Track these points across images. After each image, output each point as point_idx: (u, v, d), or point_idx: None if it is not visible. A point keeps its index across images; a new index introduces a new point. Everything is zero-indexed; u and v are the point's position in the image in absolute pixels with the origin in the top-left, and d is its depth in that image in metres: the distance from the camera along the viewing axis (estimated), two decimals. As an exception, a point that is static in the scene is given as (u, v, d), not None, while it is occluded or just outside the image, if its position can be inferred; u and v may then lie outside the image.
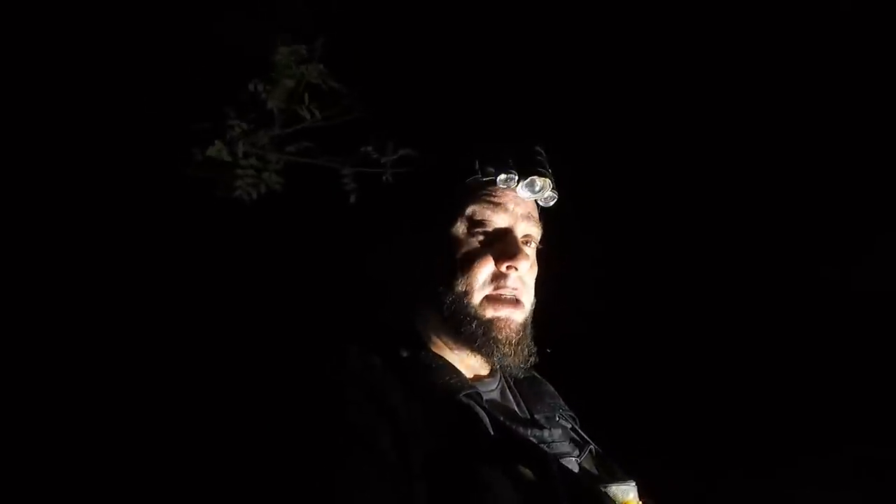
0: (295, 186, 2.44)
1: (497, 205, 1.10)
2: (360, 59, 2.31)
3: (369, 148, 2.38)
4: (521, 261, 1.09)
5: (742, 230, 2.83)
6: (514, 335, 1.09)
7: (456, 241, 1.10)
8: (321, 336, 1.09)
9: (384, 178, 2.42)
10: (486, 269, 1.09)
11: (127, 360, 2.03)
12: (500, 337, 1.08)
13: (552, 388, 1.21)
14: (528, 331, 1.12)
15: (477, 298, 1.09)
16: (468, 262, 1.09)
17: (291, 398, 0.99)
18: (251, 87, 2.32)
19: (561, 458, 1.06)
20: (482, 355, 1.09)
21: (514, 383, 1.16)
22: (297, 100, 2.32)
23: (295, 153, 2.48)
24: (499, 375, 1.13)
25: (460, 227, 1.10)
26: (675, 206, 2.84)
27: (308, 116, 2.33)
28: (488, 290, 1.09)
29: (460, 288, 1.08)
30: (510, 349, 1.08)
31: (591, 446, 1.13)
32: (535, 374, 1.19)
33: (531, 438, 1.06)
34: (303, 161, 2.49)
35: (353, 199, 2.42)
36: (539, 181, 1.10)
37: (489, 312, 1.09)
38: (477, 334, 1.07)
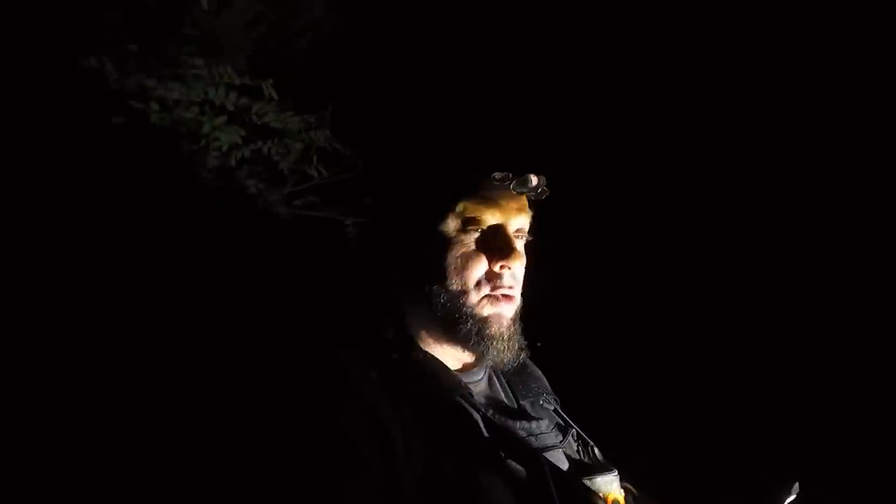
0: (302, 235, 2.76)
1: (490, 200, 1.08)
2: (361, 125, 2.66)
3: (369, 199, 2.72)
4: (515, 260, 1.08)
5: (733, 231, 2.95)
6: (506, 331, 1.10)
7: (448, 239, 1.08)
8: (311, 342, 1.10)
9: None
10: (480, 268, 1.08)
11: (116, 362, 2.13)
12: (493, 334, 1.08)
13: (536, 370, 1.25)
14: (518, 324, 1.13)
15: (473, 298, 1.08)
16: (462, 261, 1.07)
17: (281, 413, 0.99)
18: (265, 150, 2.65)
19: (548, 450, 1.09)
20: (476, 353, 1.11)
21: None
22: (306, 161, 2.66)
23: (302, 207, 2.81)
24: (485, 363, 1.13)
25: (452, 225, 1.07)
26: (664, 203, 2.99)
27: (316, 175, 2.67)
28: (485, 290, 1.08)
29: (455, 287, 1.07)
30: (503, 345, 1.09)
31: (574, 430, 1.17)
32: None
33: (520, 432, 1.09)
34: (310, 214, 2.82)
35: (355, 244, 2.76)
36: (534, 178, 1.08)
37: (485, 311, 1.08)
38: (471, 333, 1.08)
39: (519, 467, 1.00)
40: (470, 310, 1.08)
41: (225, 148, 2.52)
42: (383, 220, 1.16)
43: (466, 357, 1.13)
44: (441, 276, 1.08)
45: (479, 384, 1.12)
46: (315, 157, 2.65)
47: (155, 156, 2.45)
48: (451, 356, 1.11)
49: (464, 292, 1.08)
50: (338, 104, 2.61)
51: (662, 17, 3.02)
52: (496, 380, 1.17)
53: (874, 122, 2.81)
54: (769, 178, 2.97)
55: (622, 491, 1.09)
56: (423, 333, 1.10)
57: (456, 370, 1.11)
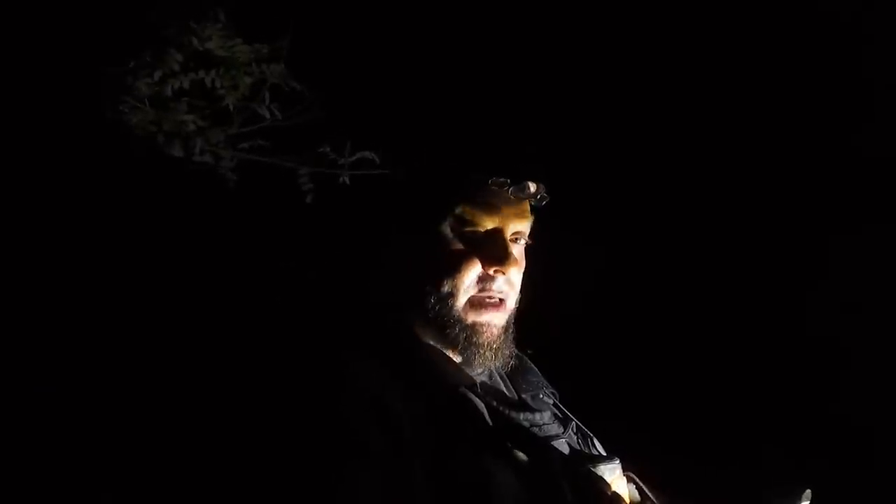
0: (250, 185, 2.41)
1: (486, 204, 1.08)
2: (323, 60, 2.31)
3: (327, 149, 2.38)
4: (509, 265, 1.09)
5: (738, 228, 2.90)
6: (495, 340, 1.11)
7: (444, 242, 1.08)
8: (315, 338, 1.08)
9: (341, 179, 2.43)
10: (472, 271, 1.08)
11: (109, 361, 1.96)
12: (481, 341, 1.10)
13: (532, 365, 1.26)
14: (510, 332, 1.15)
15: (461, 301, 1.09)
16: (454, 264, 1.08)
17: (289, 409, 0.97)
18: (208, 82, 2.28)
19: (552, 440, 1.11)
20: (464, 357, 1.11)
21: None
22: (256, 98, 2.29)
23: (249, 151, 2.45)
24: None
25: (448, 227, 1.08)
26: (665, 204, 2.92)
27: (268, 115, 2.31)
28: (473, 293, 1.09)
29: (445, 290, 1.08)
30: (491, 353, 1.11)
31: (574, 422, 1.18)
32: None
33: (524, 423, 1.10)
34: (258, 160, 2.46)
35: (309, 199, 2.42)
36: (532, 185, 1.09)
37: (471, 317, 1.10)
38: (459, 338, 1.10)
39: (525, 456, 1.01)
40: (458, 314, 1.09)
41: (159, 75, 2.14)
42: (384, 220, 1.17)
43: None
44: (433, 278, 1.09)
45: (480, 377, 1.14)
46: (267, 96, 2.29)
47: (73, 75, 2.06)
48: (451, 352, 1.13)
49: (452, 295, 1.09)
50: (297, 35, 2.24)
51: (664, 18, 2.87)
52: (496, 374, 1.20)
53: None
54: (774, 175, 2.89)
55: (625, 478, 1.11)
56: (423, 332, 1.12)
57: (458, 363, 1.13)
